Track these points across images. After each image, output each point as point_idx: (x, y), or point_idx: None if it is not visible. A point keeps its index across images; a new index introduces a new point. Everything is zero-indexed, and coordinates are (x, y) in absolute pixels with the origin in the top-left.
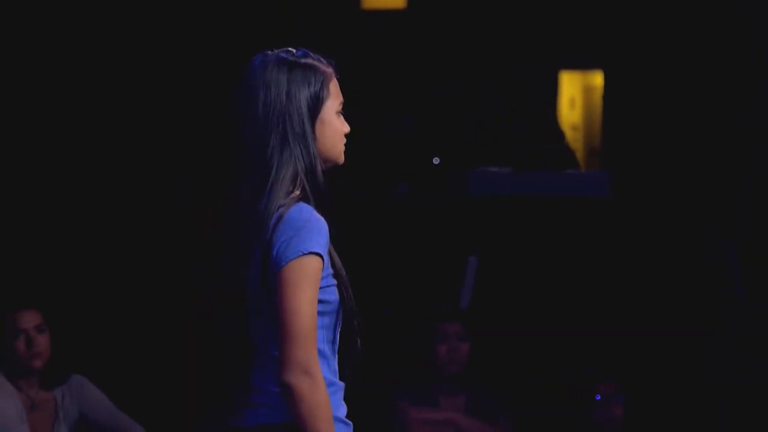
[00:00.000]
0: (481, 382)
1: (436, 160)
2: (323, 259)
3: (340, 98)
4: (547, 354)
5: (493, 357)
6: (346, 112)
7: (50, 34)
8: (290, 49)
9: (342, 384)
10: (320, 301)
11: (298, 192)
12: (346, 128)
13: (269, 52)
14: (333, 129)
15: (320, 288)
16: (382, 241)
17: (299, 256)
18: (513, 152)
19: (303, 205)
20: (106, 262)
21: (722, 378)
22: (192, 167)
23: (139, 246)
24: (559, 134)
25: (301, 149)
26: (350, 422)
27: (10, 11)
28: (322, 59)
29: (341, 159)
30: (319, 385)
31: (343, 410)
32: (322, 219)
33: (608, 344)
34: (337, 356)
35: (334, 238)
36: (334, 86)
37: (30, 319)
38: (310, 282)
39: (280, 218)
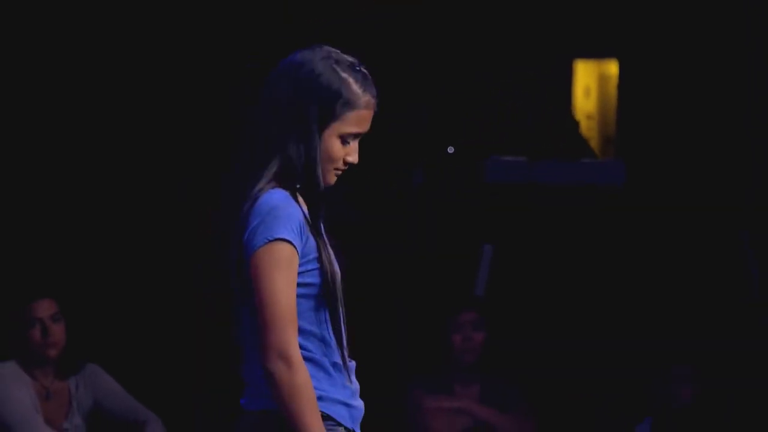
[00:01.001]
0: (497, 371)
1: (450, 149)
2: (294, 245)
3: (357, 129)
4: (563, 343)
5: (509, 346)
6: None
7: (51, 34)
8: (350, 58)
9: (344, 364)
10: (306, 285)
11: (283, 181)
12: (348, 158)
13: (333, 52)
14: (325, 149)
15: (305, 272)
16: (397, 230)
17: (266, 243)
18: (528, 141)
19: (276, 191)
20: (120, 252)
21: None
22: (192, 164)
23: (154, 236)
24: (573, 123)
25: (299, 146)
26: (356, 403)
27: (11, 11)
28: (368, 85)
29: (326, 178)
30: (297, 368)
31: (344, 392)
32: (292, 205)
33: (624, 331)
34: (339, 337)
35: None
36: (355, 115)
37: (46, 309)
38: (280, 268)
39: (252, 204)
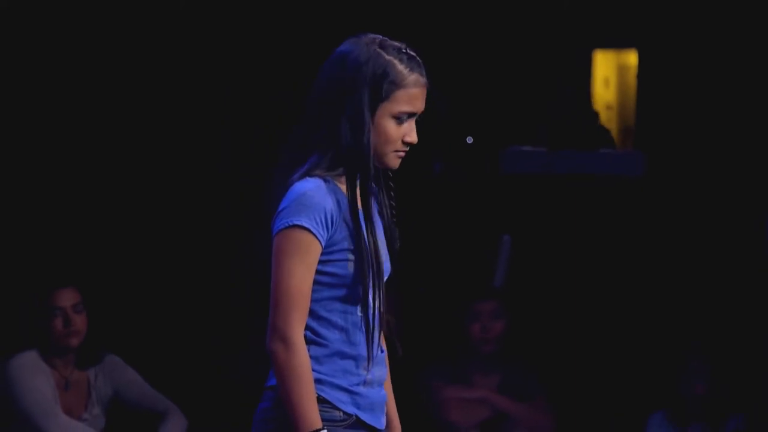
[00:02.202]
0: (517, 361)
1: (469, 140)
2: (314, 233)
3: (409, 108)
4: (582, 333)
5: (529, 336)
6: None
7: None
8: (400, 45)
9: (358, 354)
10: (327, 273)
11: (329, 170)
12: (407, 137)
13: (377, 38)
14: (380, 131)
15: (329, 261)
16: (416, 220)
17: (285, 227)
18: (547, 131)
19: (311, 179)
20: (142, 240)
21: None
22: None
23: (176, 225)
24: (593, 114)
25: (348, 134)
26: (364, 391)
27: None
28: (414, 63)
29: (388, 161)
30: (295, 351)
31: (349, 379)
32: (322, 195)
33: (641, 323)
34: (368, 328)
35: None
36: (405, 93)
37: (69, 298)
38: (294, 253)
39: (285, 190)
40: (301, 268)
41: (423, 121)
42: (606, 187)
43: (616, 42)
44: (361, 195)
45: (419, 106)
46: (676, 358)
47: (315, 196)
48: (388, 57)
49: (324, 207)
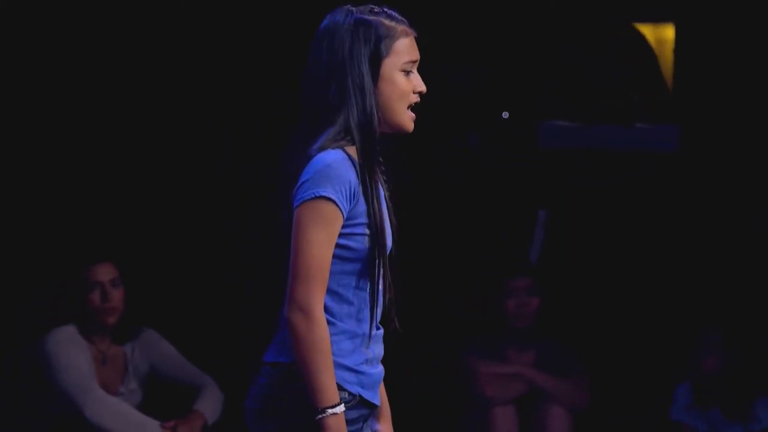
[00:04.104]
0: (552, 338)
1: (505, 115)
2: (338, 205)
3: (410, 57)
4: (619, 308)
5: (564, 311)
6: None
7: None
8: (373, 6)
9: (363, 333)
10: (344, 247)
11: (344, 142)
12: (417, 87)
13: (351, 7)
14: (392, 86)
15: (346, 234)
16: (451, 195)
17: (310, 199)
18: (583, 105)
19: (334, 151)
20: (177, 217)
21: None
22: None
23: (212, 202)
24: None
25: (356, 102)
26: (369, 370)
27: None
28: (396, 16)
29: (405, 120)
30: (317, 324)
31: (355, 358)
32: (346, 167)
33: (676, 298)
34: (373, 305)
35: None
36: (401, 44)
37: (106, 273)
38: (319, 224)
39: (306, 162)
40: (324, 239)
41: (457, 96)
42: (641, 162)
43: (653, 16)
44: (367, 167)
45: (417, 53)
46: (694, 333)
47: (339, 168)
48: (371, 17)
49: (348, 179)
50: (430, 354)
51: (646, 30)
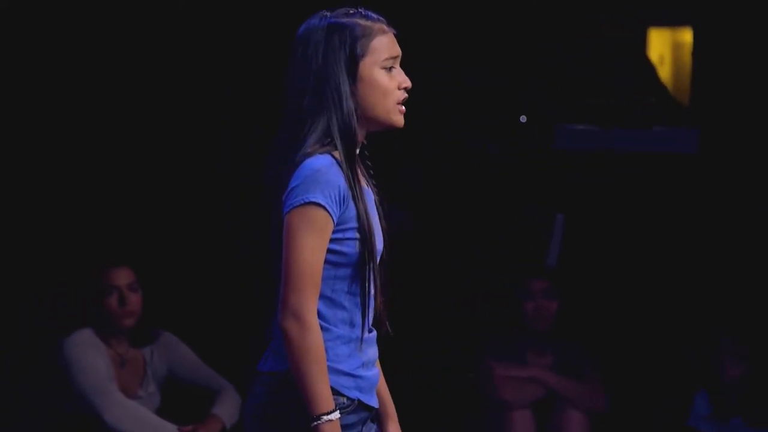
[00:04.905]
0: (570, 341)
1: (523, 119)
2: (328, 210)
3: (390, 53)
4: (636, 311)
5: (583, 314)
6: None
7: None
8: (348, 8)
9: (357, 337)
10: (336, 252)
11: (330, 147)
12: (402, 83)
13: (326, 12)
14: (374, 86)
15: (337, 239)
16: (470, 198)
17: (300, 204)
18: (601, 108)
19: (322, 156)
20: (177, 217)
21: None
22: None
23: (229, 203)
24: (656, 90)
25: (335, 108)
26: (365, 373)
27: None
28: (371, 15)
29: (394, 116)
30: (310, 330)
31: (351, 363)
32: (334, 172)
33: (696, 300)
34: (365, 309)
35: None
36: (379, 42)
37: (124, 277)
38: (309, 230)
39: (294, 168)
40: (315, 245)
41: (470, 99)
42: (660, 165)
43: (671, 19)
44: (350, 171)
45: (397, 49)
46: (712, 339)
47: (328, 173)
48: (346, 20)
49: (338, 184)
50: (442, 355)
51: (665, 34)
